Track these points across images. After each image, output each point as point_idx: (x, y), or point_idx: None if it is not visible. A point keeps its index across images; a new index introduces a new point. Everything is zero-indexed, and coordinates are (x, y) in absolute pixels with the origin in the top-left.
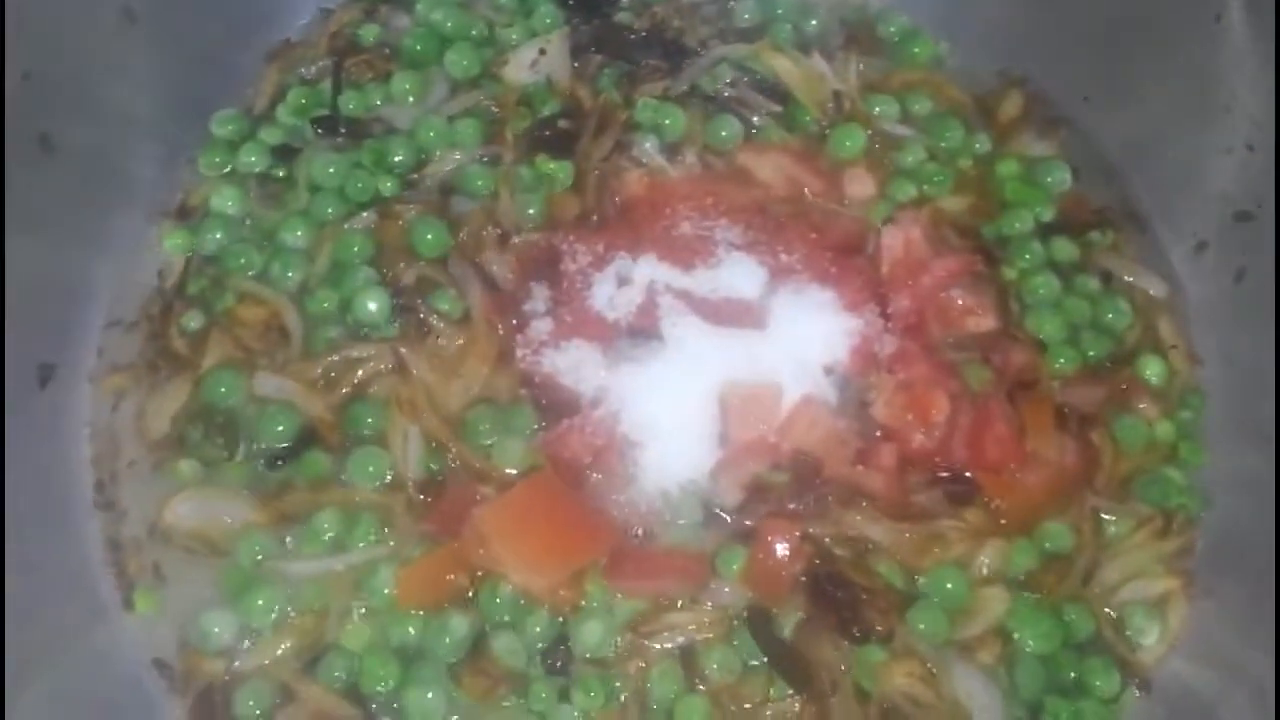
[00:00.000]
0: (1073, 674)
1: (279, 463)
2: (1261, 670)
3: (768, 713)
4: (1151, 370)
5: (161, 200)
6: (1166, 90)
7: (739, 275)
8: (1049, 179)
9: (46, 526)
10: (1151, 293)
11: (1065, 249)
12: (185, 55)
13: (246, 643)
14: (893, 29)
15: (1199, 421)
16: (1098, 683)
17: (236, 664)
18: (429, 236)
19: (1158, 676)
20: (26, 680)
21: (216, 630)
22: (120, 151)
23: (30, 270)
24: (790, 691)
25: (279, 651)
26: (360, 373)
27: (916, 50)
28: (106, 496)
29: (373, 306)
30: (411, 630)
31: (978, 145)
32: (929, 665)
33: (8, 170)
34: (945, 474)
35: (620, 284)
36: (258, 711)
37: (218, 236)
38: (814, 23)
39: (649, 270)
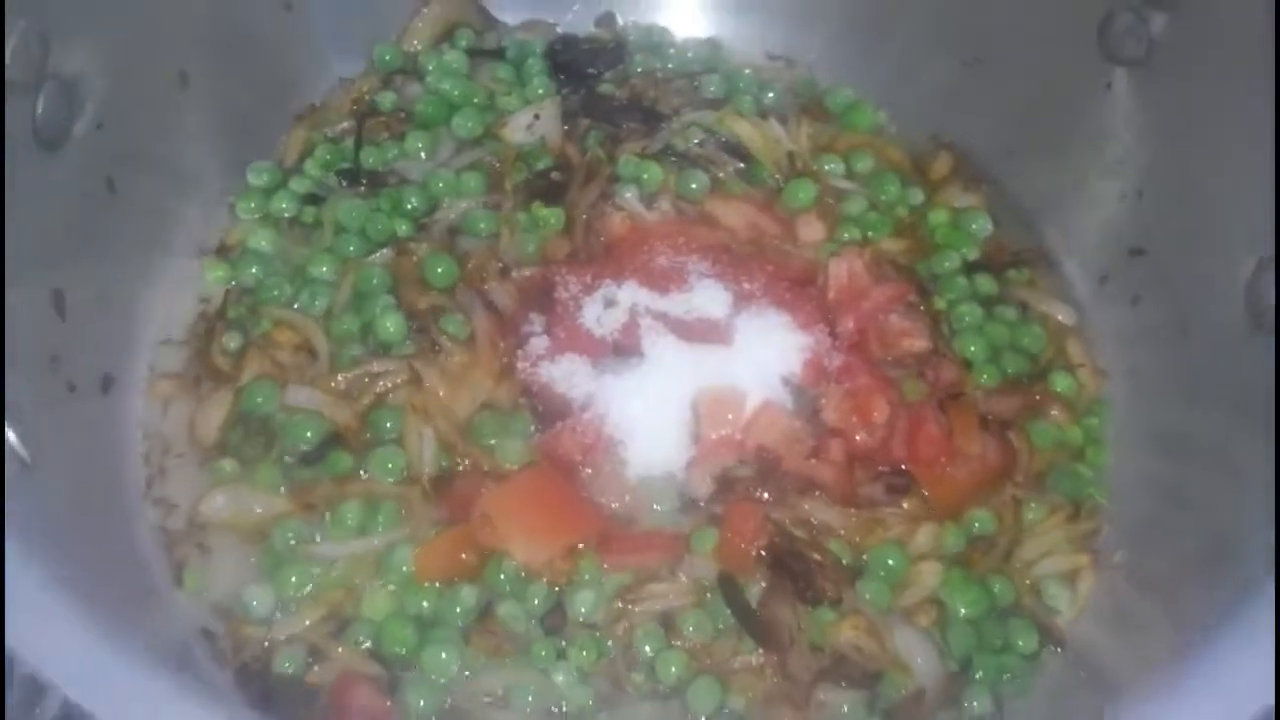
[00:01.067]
0: (998, 635)
1: (309, 462)
2: (1154, 625)
3: (736, 664)
4: (1062, 384)
5: (204, 239)
6: (1071, 149)
7: (708, 299)
8: (973, 226)
9: (108, 513)
10: (1061, 319)
11: (987, 284)
12: (228, 115)
13: (282, 614)
14: (838, 100)
15: (1103, 426)
16: (1019, 642)
17: (274, 632)
18: (439, 270)
19: (1071, 636)
20: None
21: (255, 604)
22: (171, 195)
23: (95, 294)
24: (755, 647)
25: (310, 621)
26: (380, 385)
27: (858, 118)
28: (155, 490)
29: (391, 327)
30: (426, 602)
31: (912, 198)
32: (873, 623)
33: (82, 207)
34: (886, 469)
35: (606, 306)
36: (293, 670)
37: (254, 271)
38: (770, 95)
39: (631, 295)
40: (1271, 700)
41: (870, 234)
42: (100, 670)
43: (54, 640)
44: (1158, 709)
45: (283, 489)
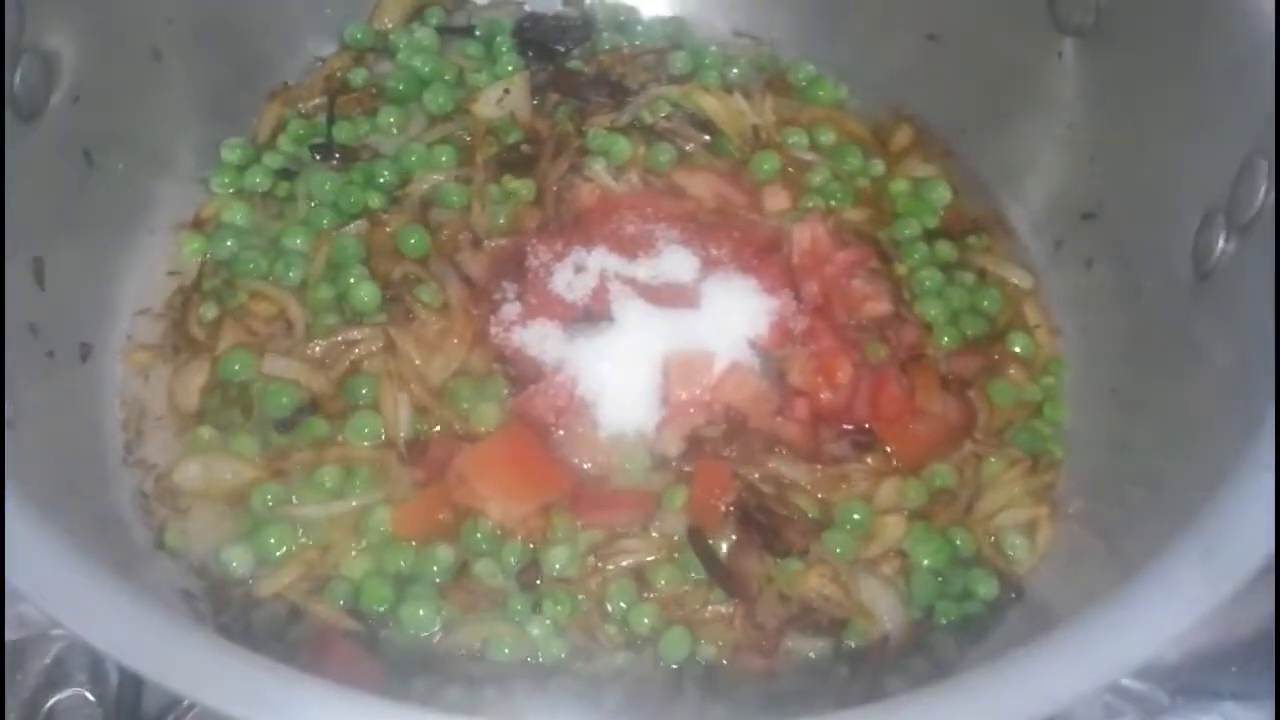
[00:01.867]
0: (959, 584)
1: (285, 429)
2: (1102, 565)
3: (707, 614)
4: (1019, 344)
5: (180, 212)
6: (1025, 118)
7: (676, 264)
8: (933, 195)
9: (89, 476)
10: (1017, 283)
11: (946, 250)
12: (202, 92)
13: (261, 574)
14: (801, 76)
15: (1059, 384)
16: (980, 590)
17: (253, 591)
18: (412, 240)
19: (1030, 584)
20: None
21: (235, 565)
22: (147, 170)
23: (73, 263)
24: (725, 597)
25: (289, 580)
26: (356, 352)
27: (821, 93)
28: (135, 455)
29: (365, 296)
30: (404, 560)
31: (873, 169)
32: (838, 572)
33: (60, 178)
34: (850, 427)
35: (576, 272)
36: (274, 629)
37: (229, 244)
38: (735, 70)
39: (600, 261)
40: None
41: (833, 203)
42: (108, 608)
43: (57, 580)
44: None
45: (258, 456)
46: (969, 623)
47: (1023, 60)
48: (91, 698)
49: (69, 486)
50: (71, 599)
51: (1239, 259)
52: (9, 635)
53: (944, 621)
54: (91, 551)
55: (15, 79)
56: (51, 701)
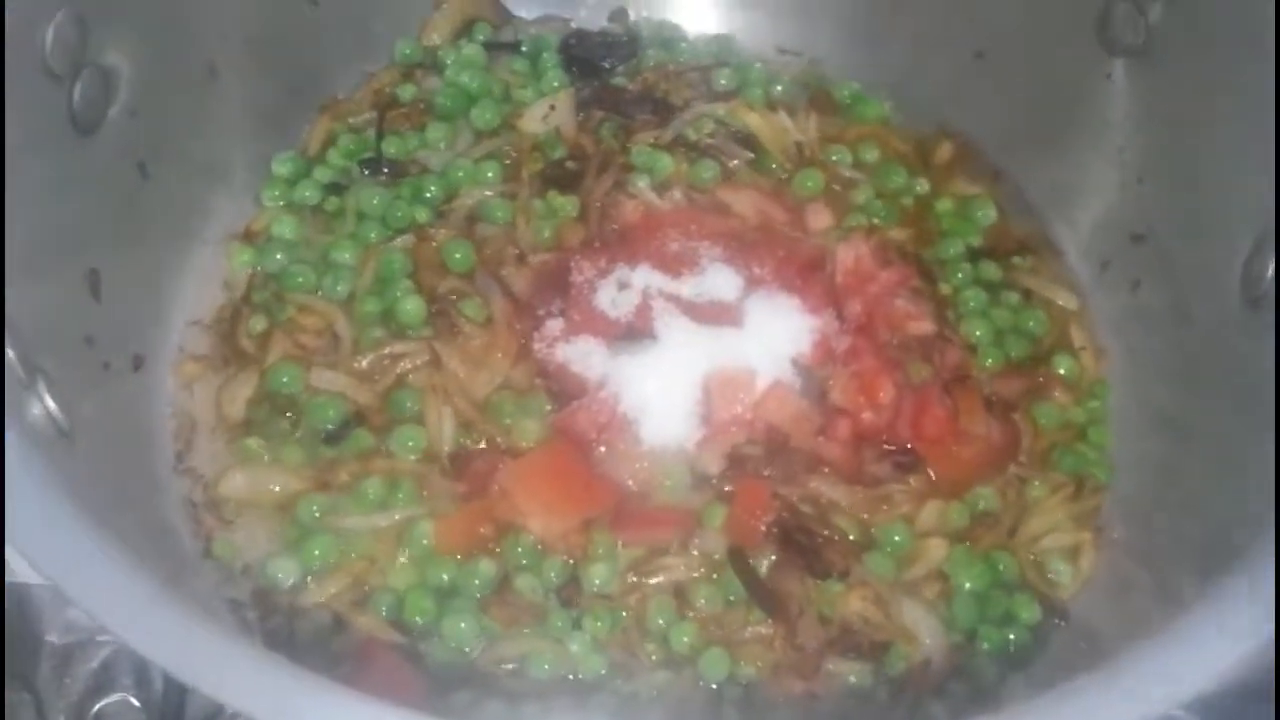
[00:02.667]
0: (1002, 608)
1: (331, 441)
2: (1150, 596)
3: (746, 634)
4: (1064, 366)
5: (231, 225)
6: (1073, 138)
7: (720, 282)
8: (978, 214)
9: (141, 485)
10: (1063, 304)
11: (991, 270)
12: (254, 106)
13: (308, 583)
14: (845, 93)
15: (1105, 408)
16: (1023, 615)
17: (299, 601)
18: (458, 255)
19: (1074, 608)
20: None
21: (281, 575)
22: (200, 183)
23: (128, 276)
24: (765, 617)
25: (334, 591)
26: (401, 366)
27: (865, 110)
28: (184, 464)
29: (411, 310)
30: (446, 574)
31: (918, 187)
32: (880, 594)
33: (116, 191)
34: (892, 448)
35: (620, 289)
36: (318, 639)
37: (279, 257)
38: (779, 88)
39: (644, 278)
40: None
41: (877, 221)
42: (154, 617)
43: (105, 588)
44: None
45: (304, 467)
46: (1011, 648)
47: (1071, 80)
48: (137, 703)
49: (122, 495)
50: (119, 606)
51: None
52: (56, 640)
53: (986, 646)
54: (141, 559)
55: (75, 94)
56: (98, 706)
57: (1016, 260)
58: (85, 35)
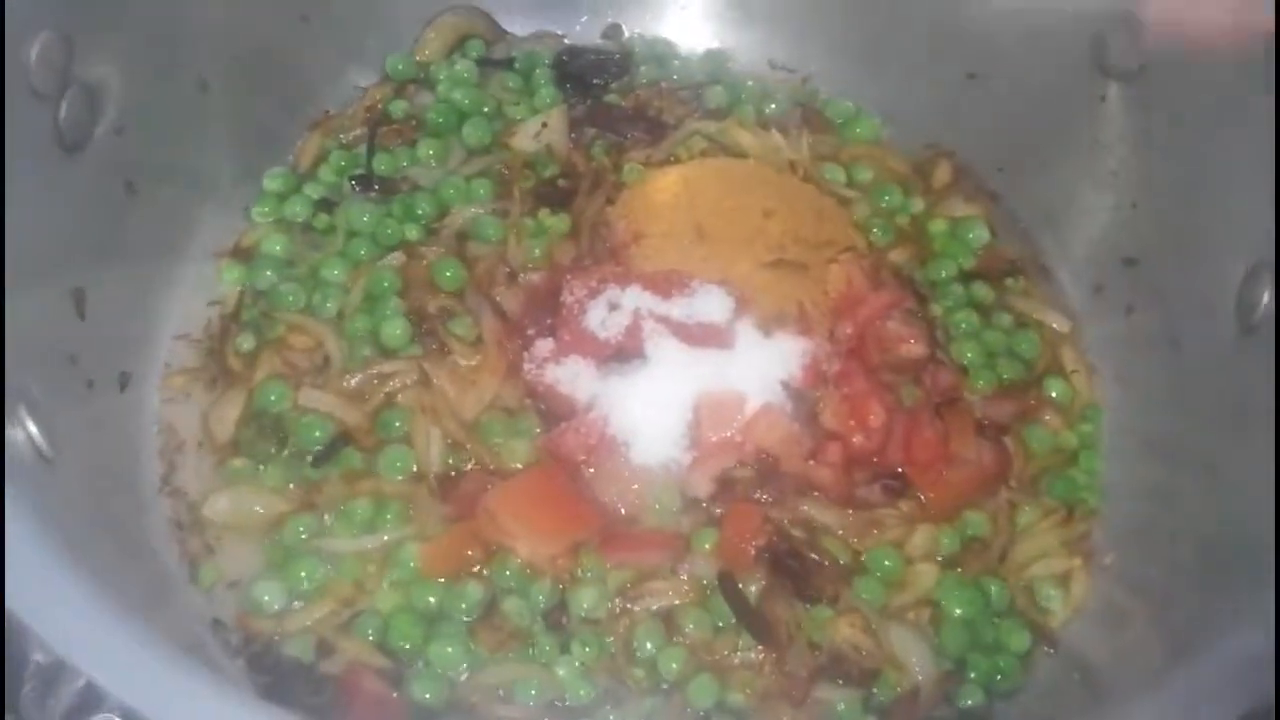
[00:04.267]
0: (991, 635)
1: (319, 462)
2: (1145, 628)
3: (735, 660)
4: (1056, 390)
5: (221, 242)
6: (1067, 161)
7: (711, 304)
8: (970, 235)
9: (125, 506)
10: (1055, 327)
11: (983, 291)
12: (245, 122)
13: (293, 606)
14: (838, 112)
15: (1097, 432)
16: (1012, 641)
17: (284, 624)
18: (448, 273)
19: (1063, 637)
20: None
21: (266, 598)
22: (189, 199)
23: (114, 293)
24: (754, 643)
25: (319, 614)
26: (390, 385)
27: (858, 129)
28: (171, 484)
29: (397, 332)
30: (433, 597)
31: (913, 206)
32: (869, 621)
33: (102, 208)
34: (883, 471)
35: (610, 310)
36: (303, 663)
37: (268, 274)
38: (773, 106)
39: (635, 299)
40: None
41: (873, 235)
42: (124, 653)
43: (76, 624)
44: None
45: (290, 489)
46: (1000, 675)
47: (1066, 102)
48: None
49: (104, 517)
50: (89, 645)
51: None
52: (41, 658)
53: (975, 674)
54: (121, 584)
55: (61, 112)
56: None
57: (1009, 282)
58: (71, 53)
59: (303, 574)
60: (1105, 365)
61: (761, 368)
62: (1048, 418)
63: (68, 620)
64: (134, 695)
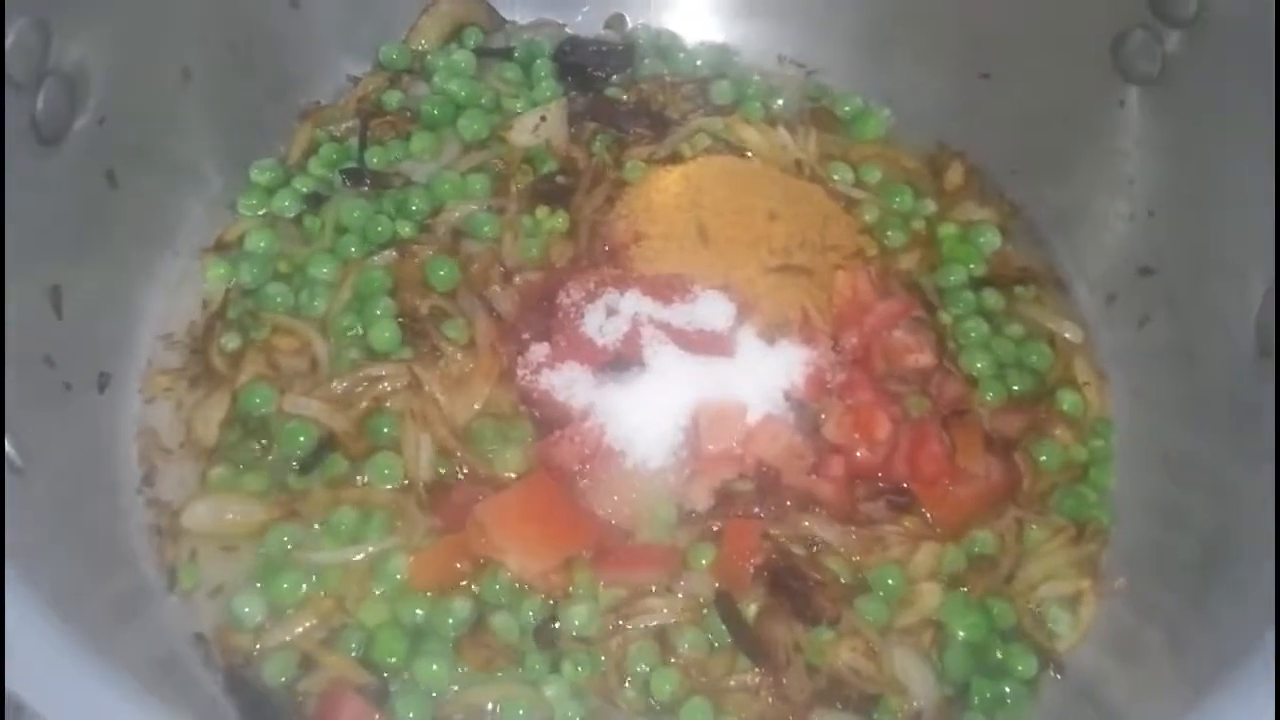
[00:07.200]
0: (997, 658)
1: (304, 470)
2: (1156, 658)
3: (731, 683)
4: (1067, 402)
5: (206, 236)
6: (1083, 165)
7: (712, 310)
8: (981, 240)
9: (101, 515)
10: (1068, 337)
11: (994, 299)
12: (232, 111)
13: (273, 620)
14: (848, 108)
15: (1108, 447)
16: (1018, 666)
17: (265, 638)
18: (441, 273)
19: (1071, 661)
20: None
21: (247, 610)
22: (173, 191)
23: (93, 291)
24: (751, 666)
25: (302, 628)
26: (379, 389)
27: (868, 126)
28: (149, 491)
29: (386, 335)
30: (419, 611)
31: (924, 208)
32: (871, 644)
33: (81, 202)
34: (887, 486)
35: (608, 315)
36: (284, 679)
37: (255, 271)
38: (780, 102)
39: (634, 304)
40: None
41: (886, 237)
42: (83, 693)
43: (35, 663)
44: None
45: (272, 497)
46: (1005, 702)
47: (1082, 105)
48: None
49: (79, 525)
50: (42, 682)
51: None
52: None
53: (979, 700)
54: (86, 607)
55: (38, 103)
56: None
57: (1020, 290)
58: (48, 41)
59: (285, 586)
60: (1118, 378)
61: (763, 377)
62: (1058, 431)
63: (26, 657)
64: None
